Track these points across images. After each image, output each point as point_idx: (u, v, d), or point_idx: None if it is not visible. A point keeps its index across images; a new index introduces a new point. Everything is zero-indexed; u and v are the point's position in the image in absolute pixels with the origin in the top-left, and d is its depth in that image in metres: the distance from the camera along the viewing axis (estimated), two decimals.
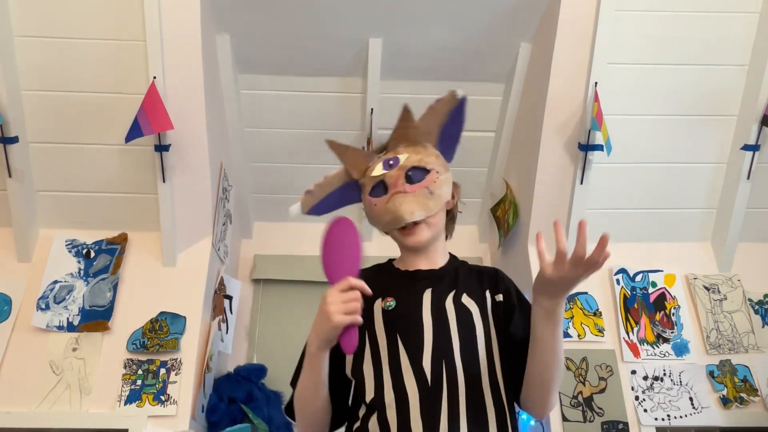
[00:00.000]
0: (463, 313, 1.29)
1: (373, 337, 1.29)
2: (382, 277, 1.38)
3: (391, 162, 1.34)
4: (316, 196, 1.41)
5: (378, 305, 1.32)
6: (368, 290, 1.17)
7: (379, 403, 1.23)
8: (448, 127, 1.38)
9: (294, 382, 1.33)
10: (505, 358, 1.28)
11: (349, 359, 1.31)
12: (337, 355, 1.25)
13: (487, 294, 1.35)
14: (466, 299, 1.32)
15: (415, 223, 1.32)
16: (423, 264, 1.38)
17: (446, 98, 1.36)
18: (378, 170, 1.35)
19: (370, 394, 1.25)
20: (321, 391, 1.26)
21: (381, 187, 1.34)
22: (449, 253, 1.45)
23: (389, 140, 1.40)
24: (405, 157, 1.34)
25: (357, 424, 1.26)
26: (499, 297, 1.34)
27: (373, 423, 1.22)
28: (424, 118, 1.37)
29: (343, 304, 1.15)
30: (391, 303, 1.31)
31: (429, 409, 1.19)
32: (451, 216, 1.44)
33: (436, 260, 1.40)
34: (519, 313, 1.33)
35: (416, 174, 1.32)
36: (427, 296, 1.30)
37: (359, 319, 1.16)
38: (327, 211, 1.43)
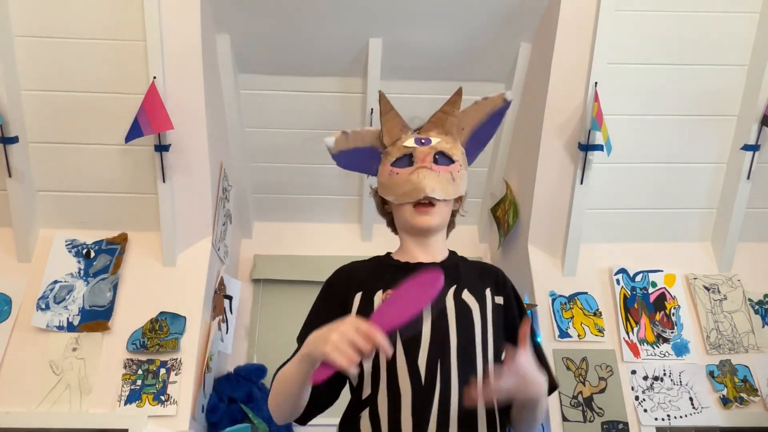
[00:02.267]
0: (463, 310, 1.27)
1: None
2: (382, 270, 1.37)
3: (423, 140, 1.36)
4: (349, 142, 1.41)
5: (378, 298, 1.30)
6: (388, 351, 1.08)
7: (373, 400, 1.23)
8: (483, 128, 1.42)
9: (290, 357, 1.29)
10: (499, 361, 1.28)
11: None
12: None
13: (488, 293, 1.34)
14: (466, 295, 1.30)
15: (431, 204, 1.33)
16: (423, 257, 1.37)
17: (494, 98, 1.40)
18: (409, 142, 1.36)
19: (366, 391, 1.25)
20: (297, 391, 1.22)
21: (407, 159, 1.35)
22: (448, 249, 1.44)
23: (424, 123, 1.41)
24: (437, 140, 1.36)
25: (350, 418, 1.26)
26: (500, 300, 1.34)
27: (365, 419, 1.22)
28: (466, 112, 1.40)
29: (350, 344, 1.05)
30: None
31: (420, 409, 1.19)
32: (452, 217, 1.44)
33: (436, 254, 1.38)
34: (517, 322, 1.33)
35: (443, 159, 1.35)
36: None
37: (351, 368, 1.06)
38: (345, 165, 1.44)
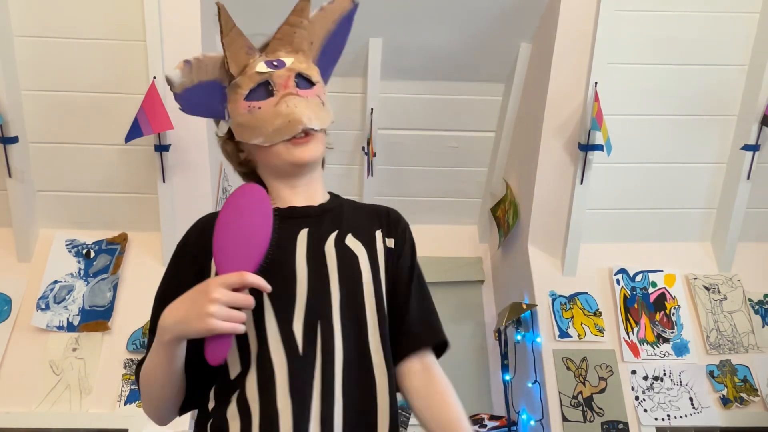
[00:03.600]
0: (346, 257, 1.06)
1: None
2: None
3: (275, 63, 1.12)
4: (192, 75, 1.13)
5: None
6: (267, 287, 0.94)
7: (241, 381, 1.00)
8: (334, 38, 1.20)
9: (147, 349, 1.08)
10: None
11: None
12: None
13: (378, 235, 1.13)
14: (351, 240, 1.09)
15: (307, 134, 1.09)
16: (299, 200, 1.14)
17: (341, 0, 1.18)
18: (261, 67, 1.11)
19: (234, 370, 1.01)
20: (174, 382, 1.03)
21: (264, 88, 1.10)
22: (329, 192, 1.21)
23: (269, 40, 1.16)
24: (291, 60, 1.13)
25: (212, 405, 1.03)
26: (391, 242, 1.14)
27: (232, 406, 0.99)
28: (314, 21, 1.17)
29: (228, 306, 0.92)
30: None
31: (299, 385, 0.97)
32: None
33: (315, 196, 1.16)
34: (408, 273, 1.14)
35: (304, 83, 1.12)
36: (302, 239, 1.06)
37: (241, 328, 0.92)
38: (190, 109, 1.17)
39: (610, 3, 2.47)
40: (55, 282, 2.66)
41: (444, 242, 3.34)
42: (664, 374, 2.65)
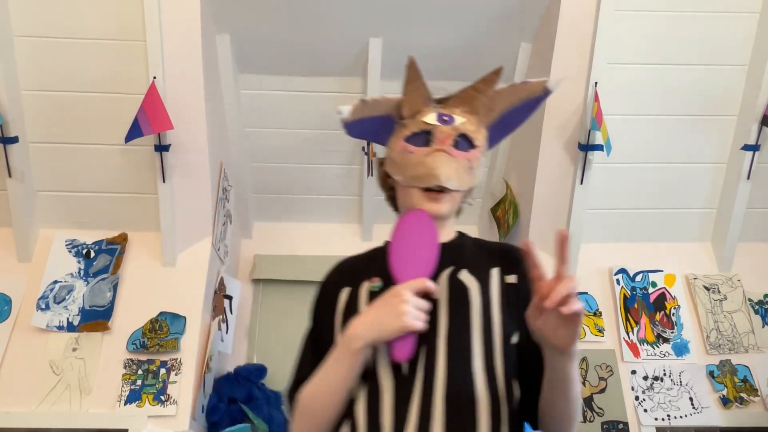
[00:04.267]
0: (457, 290, 1.12)
1: None
2: (375, 258, 1.21)
3: (446, 118, 1.20)
4: (367, 110, 1.24)
5: (365, 287, 1.17)
6: (439, 293, 1.06)
7: (353, 397, 1.10)
8: (514, 113, 1.25)
9: (299, 377, 1.16)
10: (514, 348, 1.11)
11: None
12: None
13: (494, 272, 1.16)
14: (465, 275, 1.14)
15: (442, 191, 1.16)
16: None
17: (534, 84, 1.23)
18: (430, 118, 1.19)
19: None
20: (344, 395, 1.09)
21: (424, 136, 1.19)
22: (457, 231, 1.28)
23: (451, 96, 1.25)
24: (462, 120, 1.20)
25: None
26: (512, 279, 1.16)
27: (345, 418, 1.10)
28: (500, 93, 1.23)
29: (416, 307, 1.03)
30: (377, 284, 1.15)
31: (400, 404, 1.04)
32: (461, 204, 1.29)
33: (440, 235, 1.21)
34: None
35: (463, 143, 1.19)
36: None
37: (424, 326, 1.04)
38: (356, 135, 1.28)
39: (610, 3, 2.47)
40: (55, 282, 2.66)
41: None
42: (664, 374, 2.65)
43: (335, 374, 1.08)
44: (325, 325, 1.19)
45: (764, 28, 2.59)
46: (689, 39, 2.62)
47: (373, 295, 1.12)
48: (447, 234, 1.24)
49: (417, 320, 1.03)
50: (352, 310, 1.15)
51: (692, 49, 2.64)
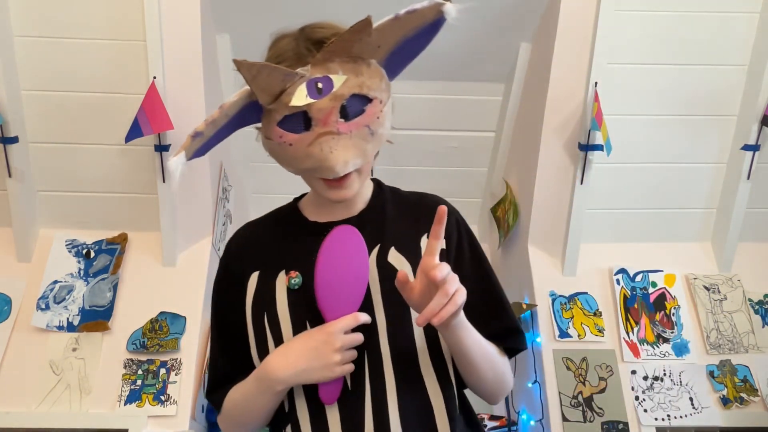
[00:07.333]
0: (390, 278, 0.98)
1: (275, 324, 1.02)
2: (285, 233, 1.10)
3: (320, 84, 0.93)
4: (207, 136, 0.98)
5: (281, 280, 1.04)
6: (369, 320, 0.98)
7: (293, 416, 1.01)
8: (411, 42, 0.98)
9: (215, 379, 1.11)
10: None
11: (254, 354, 1.06)
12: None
13: (424, 243, 1.05)
14: (394, 256, 1.03)
15: (345, 175, 0.99)
16: (340, 212, 1.09)
17: (425, 8, 0.93)
18: (300, 97, 0.93)
19: (287, 403, 1.04)
20: (266, 419, 1.07)
21: (301, 118, 0.95)
22: (372, 180, 1.14)
23: (323, 45, 0.98)
24: (341, 80, 0.94)
25: None
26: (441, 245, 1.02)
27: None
28: (382, 30, 0.95)
29: (347, 349, 0.96)
30: (296, 280, 1.02)
31: (351, 417, 0.97)
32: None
33: (357, 201, 1.10)
34: (471, 266, 1.07)
35: (354, 105, 0.95)
36: None
37: (353, 367, 0.97)
38: (213, 145, 1.03)
39: (610, 3, 2.47)
40: (55, 282, 2.66)
41: None
42: (664, 374, 2.65)
43: (258, 403, 1.02)
44: (232, 320, 1.09)
45: (764, 28, 2.59)
46: (689, 39, 2.62)
47: (292, 293, 1.02)
48: (364, 195, 1.11)
49: (347, 365, 0.96)
50: (266, 304, 1.04)
51: (692, 49, 2.64)
